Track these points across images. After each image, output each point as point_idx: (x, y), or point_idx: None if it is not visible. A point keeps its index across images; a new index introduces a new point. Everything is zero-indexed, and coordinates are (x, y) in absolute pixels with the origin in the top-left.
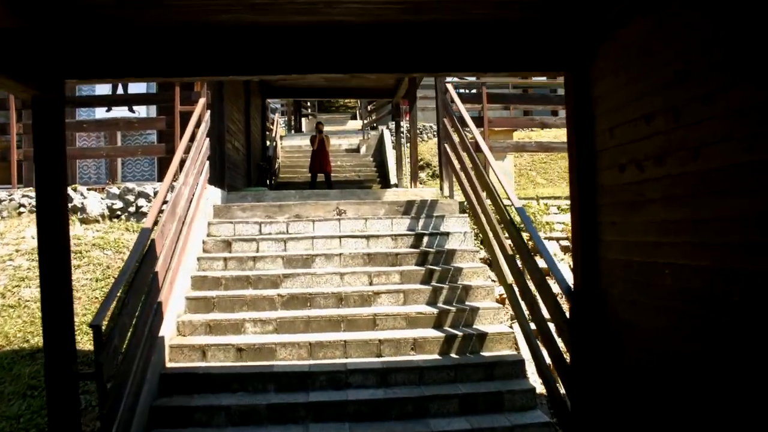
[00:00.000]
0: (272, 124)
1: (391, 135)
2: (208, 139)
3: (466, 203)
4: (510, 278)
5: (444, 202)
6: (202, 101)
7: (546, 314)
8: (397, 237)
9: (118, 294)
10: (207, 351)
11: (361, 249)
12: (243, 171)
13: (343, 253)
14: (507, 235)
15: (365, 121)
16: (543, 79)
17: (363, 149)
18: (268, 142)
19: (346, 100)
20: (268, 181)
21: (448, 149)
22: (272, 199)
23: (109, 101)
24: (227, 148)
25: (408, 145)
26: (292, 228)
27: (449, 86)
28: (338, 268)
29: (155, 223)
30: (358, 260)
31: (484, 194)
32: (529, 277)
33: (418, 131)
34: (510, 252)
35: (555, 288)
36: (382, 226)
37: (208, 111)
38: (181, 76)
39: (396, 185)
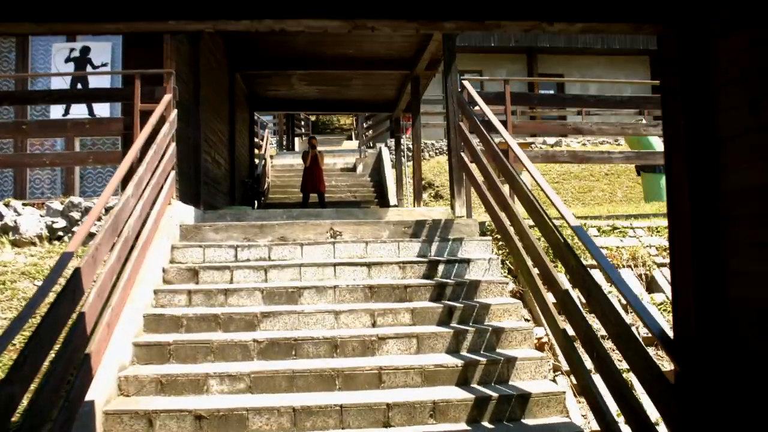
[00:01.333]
0: (262, 140)
1: (390, 153)
2: (174, 144)
3: (488, 224)
4: (560, 319)
5: (461, 222)
6: (167, 98)
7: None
8: (405, 265)
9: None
10: (155, 420)
11: (361, 280)
12: (225, 188)
13: (339, 285)
14: (549, 262)
15: (362, 139)
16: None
17: (360, 168)
18: (256, 160)
19: (342, 122)
20: (255, 201)
21: (466, 159)
22: (254, 219)
23: (60, 96)
24: (205, 160)
25: (409, 163)
26: (275, 253)
27: (467, 83)
28: (332, 304)
29: (85, 245)
30: (358, 294)
31: (519, 209)
32: (597, 317)
33: (408, 152)
34: (564, 285)
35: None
36: (386, 252)
37: (175, 111)
38: (137, 20)
39: (396, 206)
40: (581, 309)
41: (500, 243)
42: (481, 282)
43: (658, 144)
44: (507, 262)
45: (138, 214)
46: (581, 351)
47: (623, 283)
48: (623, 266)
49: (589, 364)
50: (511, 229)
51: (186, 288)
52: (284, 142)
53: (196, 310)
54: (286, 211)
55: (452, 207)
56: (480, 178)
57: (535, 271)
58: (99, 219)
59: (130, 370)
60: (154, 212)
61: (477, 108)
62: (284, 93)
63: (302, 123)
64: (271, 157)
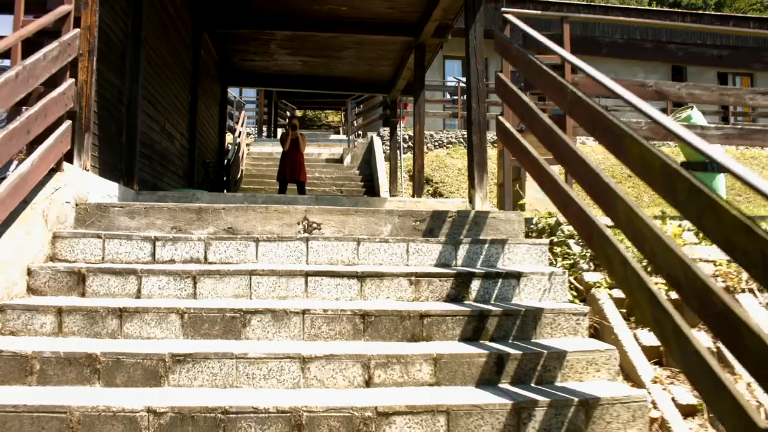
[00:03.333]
0: (237, 122)
1: (383, 144)
2: (74, 84)
3: (539, 219)
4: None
5: (499, 217)
6: (62, 9)
7: None
8: (419, 279)
9: None
10: None
11: (349, 301)
12: (180, 168)
13: (312, 308)
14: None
15: (352, 127)
16: None
17: (347, 159)
18: (228, 144)
19: (330, 118)
20: (225, 190)
21: (509, 127)
22: (199, 203)
23: None
24: (147, 127)
25: (406, 155)
26: (215, 252)
27: (513, 18)
28: (298, 342)
29: None
30: (343, 326)
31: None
32: None
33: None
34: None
35: None
36: (388, 256)
37: (76, 29)
38: None
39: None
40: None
41: (562, 248)
42: (543, 311)
43: (699, 119)
44: (574, 276)
45: None
46: None
47: None
48: (742, 290)
49: None
50: (601, 224)
51: (57, 304)
52: (264, 130)
53: (65, 345)
54: (248, 196)
55: (470, 198)
56: (533, 152)
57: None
58: None
59: None
60: (13, 178)
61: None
62: (263, 64)
63: (287, 114)
64: (248, 145)
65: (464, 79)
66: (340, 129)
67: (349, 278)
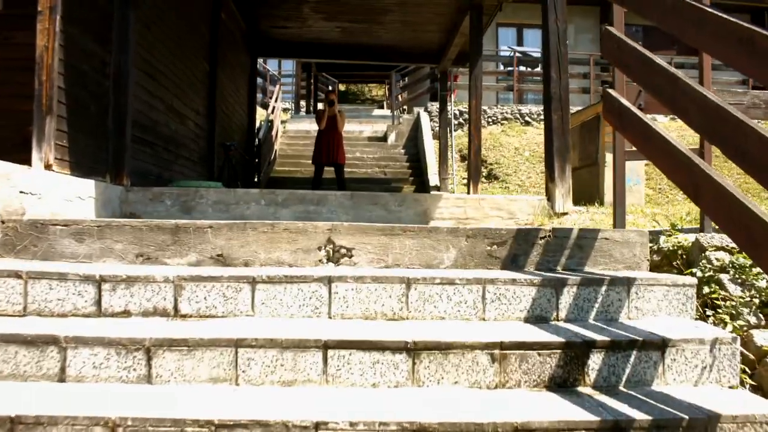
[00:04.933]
0: (271, 98)
1: (432, 120)
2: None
3: (673, 240)
4: None
5: (613, 237)
6: None
7: None
8: (506, 354)
9: None
10: None
11: (394, 400)
12: (196, 153)
13: (331, 422)
14: None
15: (396, 102)
16: None
17: (392, 137)
18: (261, 121)
19: (374, 92)
20: (256, 178)
21: (621, 100)
22: (210, 206)
23: None
24: (141, 103)
25: (456, 132)
26: (190, 299)
27: None
28: None
29: None
30: None
31: None
32: None
33: (454, 119)
34: None
35: None
36: (453, 305)
37: None
38: None
39: (438, 187)
40: None
41: (711, 287)
42: (719, 419)
43: None
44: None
45: None
46: None
47: None
48: None
49: None
50: None
51: None
52: (303, 105)
53: None
54: (267, 193)
55: (548, 194)
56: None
57: None
58: None
59: None
60: None
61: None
62: (296, 31)
63: (329, 88)
64: (284, 122)
65: (520, 49)
66: (384, 103)
67: (393, 352)
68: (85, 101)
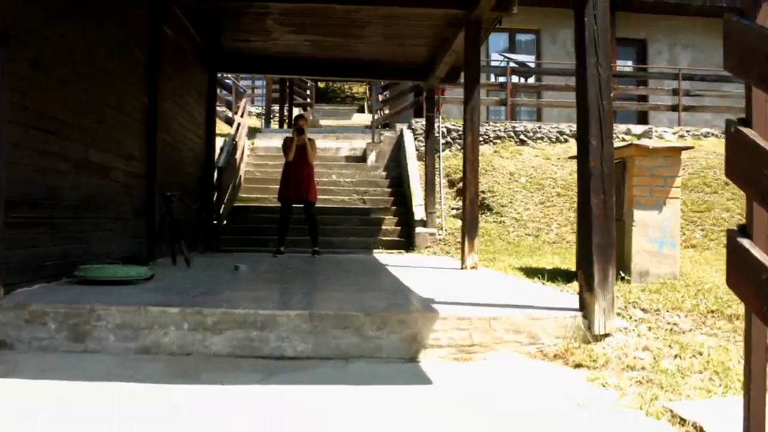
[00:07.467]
0: (237, 113)
1: (416, 139)
2: None
3: None
4: None
5: None
6: None
7: None
8: None
9: None
10: None
11: None
12: (129, 210)
13: None
14: None
15: (376, 116)
16: None
17: (372, 157)
18: (225, 139)
19: (354, 89)
20: (215, 219)
21: (760, 142)
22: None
23: None
24: (26, 168)
25: (447, 151)
26: None
27: None
28: None
29: None
30: None
31: None
32: None
33: (441, 138)
34: None
35: None
36: None
37: None
38: None
39: (424, 222)
40: None
41: None
42: None
43: None
44: None
45: None
46: None
47: None
48: None
49: None
50: None
51: None
52: (276, 114)
53: None
54: (189, 314)
55: (583, 309)
56: None
57: None
58: None
59: None
60: None
61: None
62: (261, 45)
63: (306, 92)
64: (254, 133)
65: (514, 57)
66: (365, 104)
67: None
68: None
